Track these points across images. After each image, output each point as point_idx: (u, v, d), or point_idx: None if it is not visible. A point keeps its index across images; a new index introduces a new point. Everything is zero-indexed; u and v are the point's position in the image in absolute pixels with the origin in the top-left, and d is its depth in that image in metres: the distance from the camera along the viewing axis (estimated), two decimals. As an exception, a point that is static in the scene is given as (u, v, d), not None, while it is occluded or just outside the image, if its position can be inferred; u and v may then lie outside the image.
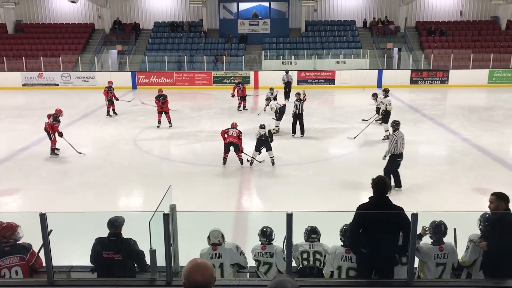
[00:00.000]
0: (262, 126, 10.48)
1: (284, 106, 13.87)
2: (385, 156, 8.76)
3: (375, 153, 11.58)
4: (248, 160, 10.40)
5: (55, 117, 11.28)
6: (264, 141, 10.17)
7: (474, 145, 12.04)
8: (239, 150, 10.29)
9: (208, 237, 4.58)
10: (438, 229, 4.34)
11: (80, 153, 11.21)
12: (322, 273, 4.47)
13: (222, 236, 4.58)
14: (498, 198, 4.23)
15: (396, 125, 8.91)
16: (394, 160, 8.63)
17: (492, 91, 22.33)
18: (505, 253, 4.07)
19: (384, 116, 12.79)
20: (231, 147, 10.26)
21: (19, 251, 4.26)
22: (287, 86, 19.57)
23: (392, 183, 8.55)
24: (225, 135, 10.31)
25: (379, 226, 3.94)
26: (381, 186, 4.07)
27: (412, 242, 3.80)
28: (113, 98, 16.25)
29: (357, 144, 12.30)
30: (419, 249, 4.30)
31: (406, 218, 4.01)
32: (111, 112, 16.32)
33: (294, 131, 13.14)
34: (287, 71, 20.38)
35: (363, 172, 9.87)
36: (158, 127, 14.27)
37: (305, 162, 10.87)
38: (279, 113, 13.51)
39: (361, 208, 4.08)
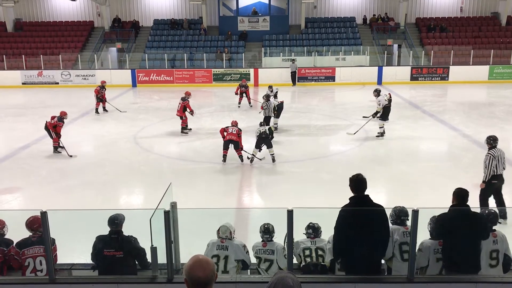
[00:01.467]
0: (262, 124, 10.47)
1: (282, 103, 13.83)
2: (484, 180, 7.03)
3: (375, 150, 11.60)
4: (248, 158, 10.39)
5: (60, 118, 11.29)
6: (264, 138, 10.15)
7: (474, 141, 12.02)
8: (239, 147, 10.28)
9: (218, 231, 4.62)
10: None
11: (71, 156, 11.04)
12: (326, 269, 4.47)
13: (231, 232, 4.61)
14: (453, 193, 4.47)
15: (492, 141, 7.18)
16: (489, 183, 6.98)
17: (493, 87, 22.29)
18: (459, 248, 4.09)
19: (382, 112, 12.65)
20: (230, 145, 10.26)
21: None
22: (292, 75, 22.87)
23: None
24: (225, 133, 10.31)
25: (362, 226, 3.95)
26: (358, 184, 4.05)
27: (412, 238, 3.80)
28: (103, 98, 16.43)
29: (357, 140, 12.29)
30: (421, 248, 4.29)
31: (384, 216, 4.03)
32: (100, 110, 16.47)
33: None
34: (293, 61, 23.13)
35: (364, 168, 9.80)
36: (187, 133, 13.36)
37: (305, 159, 10.87)
38: (277, 110, 13.46)
39: (344, 210, 4.04)
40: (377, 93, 13.07)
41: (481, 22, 27.70)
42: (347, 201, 4.09)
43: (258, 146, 10.25)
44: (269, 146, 10.24)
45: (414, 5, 28.55)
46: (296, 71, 23.14)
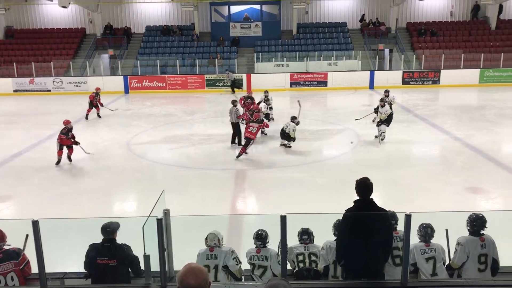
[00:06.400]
0: (295, 122, 11.79)
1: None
2: None
3: (368, 154, 11.65)
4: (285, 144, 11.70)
5: (62, 130, 11.03)
6: (287, 137, 11.80)
7: (466, 145, 12.11)
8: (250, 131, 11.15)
9: (206, 239, 4.60)
10: (426, 231, 4.41)
11: (88, 153, 11.58)
12: (319, 274, 4.47)
13: (219, 240, 4.59)
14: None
15: None
16: None
17: (483, 90, 22.49)
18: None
19: (387, 118, 12.61)
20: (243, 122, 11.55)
21: (12, 256, 4.23)
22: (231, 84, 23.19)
23: None
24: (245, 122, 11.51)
25: (366, 230, 3.93)
26: (364, 188, 4.00)
27: (406, 243, 3.81)
28: (99, 103, 16.72)
29: (350, 145, 12.34)
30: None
31: (388, 220, 4.02)
32: (90, 116, 16.66)
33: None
34: (228, 72, 23.40)
35: (358, 173, 9.83)
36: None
37: (299, 164, 10.88)
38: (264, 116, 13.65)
39: (348, 213, 4.02)
40: (383, 102, 12.69)
41: (471, 26, 27.96)
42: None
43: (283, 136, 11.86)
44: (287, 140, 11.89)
45: (405, 10, 28.77)
46: (233, 80, 23.17)
